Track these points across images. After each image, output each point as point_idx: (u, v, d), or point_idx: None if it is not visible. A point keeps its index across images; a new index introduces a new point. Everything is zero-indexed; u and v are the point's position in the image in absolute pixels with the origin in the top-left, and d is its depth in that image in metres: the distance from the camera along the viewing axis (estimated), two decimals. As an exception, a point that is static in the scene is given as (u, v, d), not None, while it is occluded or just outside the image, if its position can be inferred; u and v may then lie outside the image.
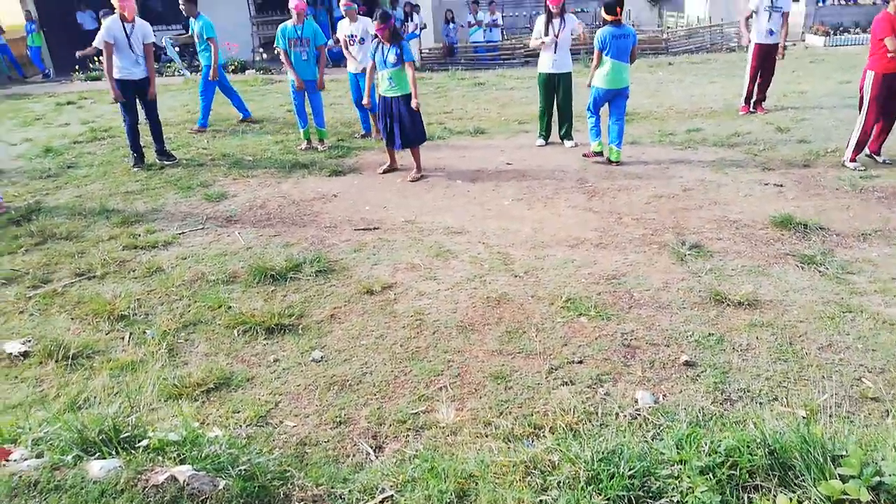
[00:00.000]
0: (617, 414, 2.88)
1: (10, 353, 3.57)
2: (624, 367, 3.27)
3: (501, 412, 2.94)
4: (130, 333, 3.78)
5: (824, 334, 3.47)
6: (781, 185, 5.82)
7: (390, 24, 6.21)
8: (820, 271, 4.16)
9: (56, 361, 3.47)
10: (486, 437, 2.76)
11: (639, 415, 2.88)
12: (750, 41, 8.51)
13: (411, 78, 6.24)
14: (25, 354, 3.58)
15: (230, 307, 4.01)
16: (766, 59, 8.40)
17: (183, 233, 5.32)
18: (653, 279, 4.18)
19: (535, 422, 2.84)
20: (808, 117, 8.20)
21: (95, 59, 12.32)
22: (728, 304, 3.80)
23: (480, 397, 3.07)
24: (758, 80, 8.56)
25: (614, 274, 4.28)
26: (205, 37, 8.74)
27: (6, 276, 4.59)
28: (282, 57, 7.51)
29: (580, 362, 3.32)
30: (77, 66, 14.91)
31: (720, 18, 18.23)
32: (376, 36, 6.32)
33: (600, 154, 6.72)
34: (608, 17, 6.39)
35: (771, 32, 8.26)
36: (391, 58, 6.21)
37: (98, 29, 6.87)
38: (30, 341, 3.72)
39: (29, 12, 16.23)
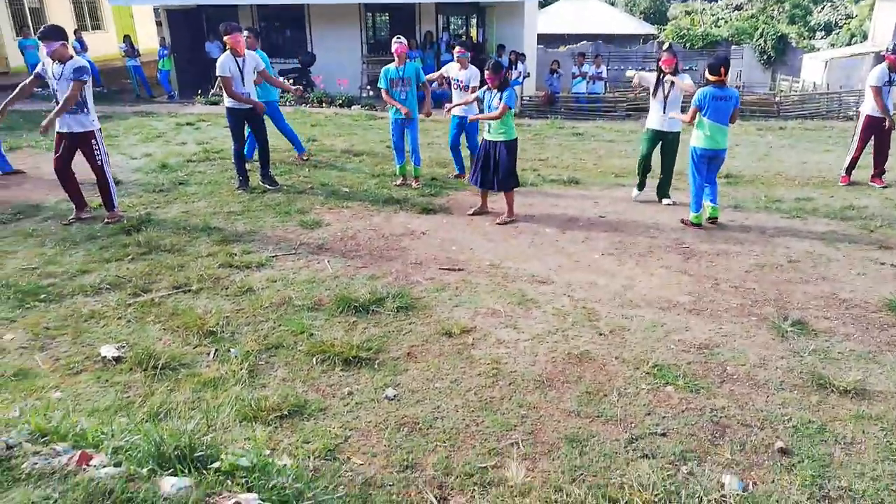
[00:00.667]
0: (700, 497, 2.67)
1: (105, 357, 3.75)
2: (711, 447, 3.05)
3: (574, 479, 2.80)
4: (216, 350, 3.89)
5: (945, 438, 3.12)
6: (900, 266, 5.38)
7: (501, 75, 6.38)
8: (942, 366, 3.77)
9: (144, 370, 3.61)
10: (556, 503, 2.63)
11: (724, 501, 2.66)
12: (860, 113, 8.15)
13: (499, 111, 6.31)
14: (118, 359, 3.75)
15: (312, 334, 4.07)
16: (878, 132, 7.97)
17: (276, 256, 5.50)
18: (749, 354, 3.92)
19: (610, 494, 2.67)
20: (933, 195, 7.60)
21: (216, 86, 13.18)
22: (832, 391, 3.49)
23: (553, 459, 2.93)
24: (872, 154, 8.11)
25: (707, 343, 4.05)
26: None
27: (112, 282, 4.87)
28: (384, 96, 7.74)
29: (663, 435, 3.12)
30: (199, 91, 16.01)
31: (838, 86, 17.43)
32: (485, 83, 6.49)
33: (698, 226, 6.43)
34: (712, 78, 6.23)
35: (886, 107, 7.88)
36: (496, 103, 6.36)
37: None
38: (123, 347, 3.90)
39: (164, 39, 17.64)
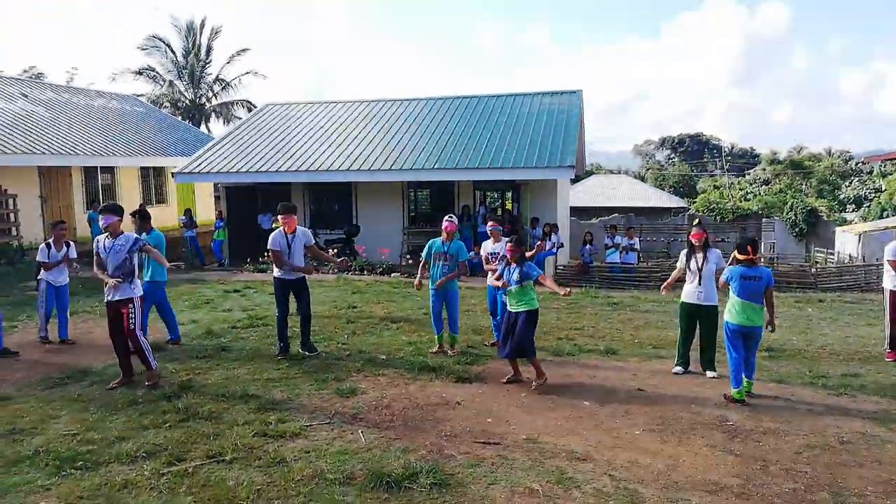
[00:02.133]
0: None
1: (134, 530, 3.69)
2: None
3: None
4: (245, 525, 3.80)
5: None
6: (963, 450, 5.07)
7: (520, 250, 6.80)
8: None
9: (172, 545, 3.53)
10: None
11: None
12: (884, 289, 8.13)
13: (549, 285, 6.84)
14: (147, 533, 3.68)
15: (343, 511, 3.96)
16: None
17: (311, 425, 5.49)
18: (806, 546, 3.65)
19: None
20: None
21: (265, 254, 13.92)
22: None
23: None
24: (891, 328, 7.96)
25: (759, 533, 3.79)
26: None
27: (148, 450, 4.89)
28: (421, 265, 8.19)
29: None
30: (248, 259, 16.87)
31: (874, 259, 17.47)
32: (506, 256, 6.92)
33: (741, 402, 6.27)
34: (740, 257, 6.37)
35: None
36: (515, 276, 6.68)
37: (272, 229, 7.89)
38: (154, 519, 3.84)
39: (220, 212, 18.98)
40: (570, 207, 25.45)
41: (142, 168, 21.58)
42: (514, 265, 6.74)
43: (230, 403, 6.03)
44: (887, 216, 26.26)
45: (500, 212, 19.67)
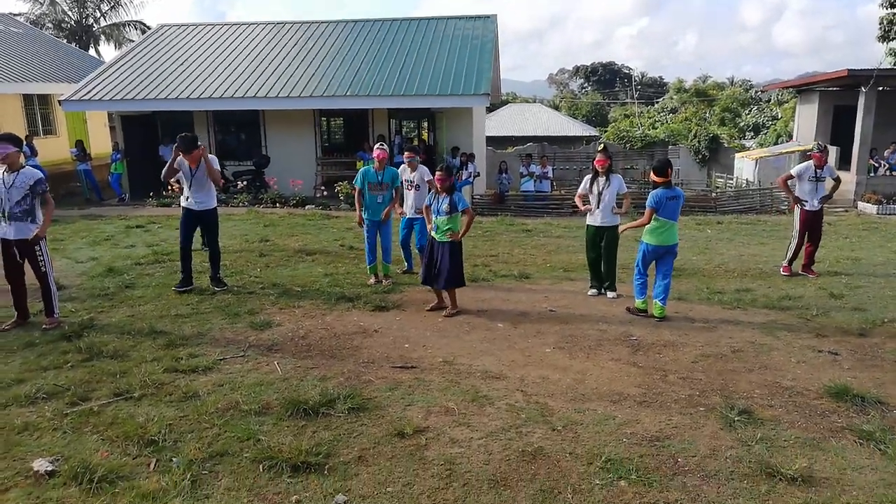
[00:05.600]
0: None
1: (37, 472, 3.55)
2: (666, 543, 3.01)
3: (530, 583, 2.71)
4: (157, 460, 3.72)
5: (891, 523, 3.16)
6: (837, 354, 5.59)
7: (451, 180, 6.73)
8: (880, 449, 3.87)
9: (80, 484, 3.42)
10: None
11: None
12: (795, 206, 8.70)
13: (466, 223, 6.73)
14: (52, 474, 3.54)
15: (259, 440, 3.94)
16: (812, 225, 8.51)
17: (224, 359, 5.38)
18: (699, 444, 3.96)
19: None
20: (862, 285, 8.02)
21: (170, 188, 13.24)
22: (780, 479, 3.53)
23: (508, 563, 2.85)
24: (805, 246, 8.60)
25: (658, 436, 4.07)
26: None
27: (49, 391, 4.66)
28: (355, 195, 8.02)
29: (618, 532, 3.08)
30: (151, 193, 16.02)
31: (769, 182, 18.57)
32: (435, 186, 6.80)
33: (644, 312, 6.63)
34: (658, 179, 6.58)
35: (816, 200, 8.46)
36: (444, 206, 6.63)
37: None
38: (58, 460, 3.69)
39: (117, 143, 17.78)
40: (486, 137, 25.44)
41: (24, 95, 19.75)
42: (443, 195, 6.69)
43: (136, 341, 5.81)
44: (782, 142, 27.83)
45: (416, 141, 19.42)
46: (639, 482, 3.52)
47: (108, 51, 35.52)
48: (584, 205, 7.55)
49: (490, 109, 35.66)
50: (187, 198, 7.44)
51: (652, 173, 6.73)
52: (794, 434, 4.10)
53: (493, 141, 31.10)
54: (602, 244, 7.47)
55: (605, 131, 37.51)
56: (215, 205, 7.65)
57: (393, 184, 7.95)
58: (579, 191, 7.65)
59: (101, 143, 22.01)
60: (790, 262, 8.67)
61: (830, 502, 3.33)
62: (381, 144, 8.00)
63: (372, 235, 8.03)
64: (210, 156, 7.52)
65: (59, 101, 17.59)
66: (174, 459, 3.71)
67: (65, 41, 30.17)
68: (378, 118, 18.00)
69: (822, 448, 3.92)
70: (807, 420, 4.31)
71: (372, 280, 8.07)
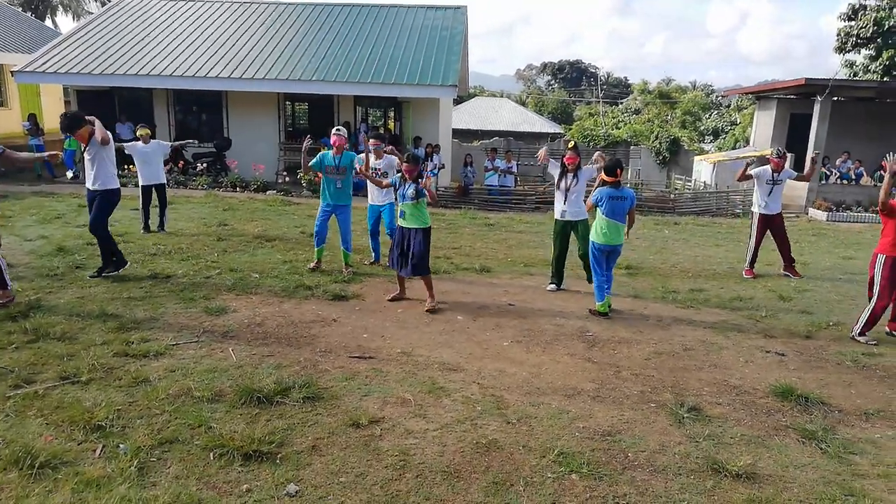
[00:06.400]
0: (603, 589, 2.66)
1: (-25, 455, 3.42)
2: (613, 536, 3.07)
3: (479, 574, 2.73)
4: (103, 446, 3.62)
5: (827, 519, 3.28)
6: (783, 355, 5.77)
7: (418, 168, 6.73)
8: (821, 448, 4.02)
9: (21, 469, 3.31)
10: None
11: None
12: (753, 212, 8.96)
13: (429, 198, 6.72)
14: (-10, 458, 3.42)
15: (210, 427, 3.88)
16: (770, 227, 8.77)
17: (177, 344, 5.27)
18: (649, 440, 4.04)
19: (513, 589, 2.63)
20: (810, 288, 8.29)
21: (126, 167, 12.89)
22: (726, 475, 3.63)
23: (458, 554, 2.86)
24: (778, 248, 8.93)
25: (609, 430, 4.15)
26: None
27: (-10, 372, 4.50)
28: (306, 167, 8.04)
29: (567, 525, 3.13)
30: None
31: (725, 186, 19.01)
32: (401, 172, 6.74)
33: (605, 315, 6.70)
34: (608, 179, 6.68)
35: (773, 204, 8.71)
36: (410, 192, 6.61)
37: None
38: (-2, 444, 3.57)
39: (72, 118, 17.18)
40: (453, 129, 25.41)
41: (-26, 65, 18.96)
42: (409, 182, 6.67)
43: (86, 323, 5.64)
44: (740, 147, 28.49)
45: (382, 130, 19.29)
46: (590, 476, 3.57)
47: (65, 22, 34.32)
48: (544, 158, 7.72)
49: (457, 102, 35.65)
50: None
51: (602, 173, 6.83)
52: (741, 431, 4.22)
53: (459, 134, 31.10)
54: (578, 238, 7.53)
55: (570, 129, 37.84)
56: (114, 186, 7.35)
57: (351, 167, 7.89)
58: (550, 167, 7.74)
59: (54, 117, 21.23)
60: (751, 264, 8.90)
61: (773, 498, 3.44)
62: (339, 129, 7.89)
63: (324, 219, 7.97)
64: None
65: (12, 72, 16.92)
66: (121, 446, 3.62)
67: (20, 10, 28.98)
68: (344, 105, 17.82)
69: (767, 445, 4.05)
70: (752, 418, 4.44)
71: (313, 265, 8.00)
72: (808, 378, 5.22)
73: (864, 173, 18.54)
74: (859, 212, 16.91)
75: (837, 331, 6.52)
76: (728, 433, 4.19)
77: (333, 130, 7.91)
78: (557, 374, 5.07)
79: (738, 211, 16.99)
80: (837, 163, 18.86)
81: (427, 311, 6.59)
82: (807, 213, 17.33)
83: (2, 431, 3.75)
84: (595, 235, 6.75)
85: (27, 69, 16.37)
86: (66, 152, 16.83)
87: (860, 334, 6.22)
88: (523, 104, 53.85)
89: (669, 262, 9.80)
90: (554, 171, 7.68)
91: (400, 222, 6.81)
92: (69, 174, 16.35)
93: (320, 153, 7.98)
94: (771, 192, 8.73)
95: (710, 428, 4.24)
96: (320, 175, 7.95)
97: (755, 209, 8.94)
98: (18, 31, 22.24)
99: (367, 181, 8.15)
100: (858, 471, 3.78)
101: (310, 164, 7.95)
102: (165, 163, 11.00)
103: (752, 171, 8.97)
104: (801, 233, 13.63)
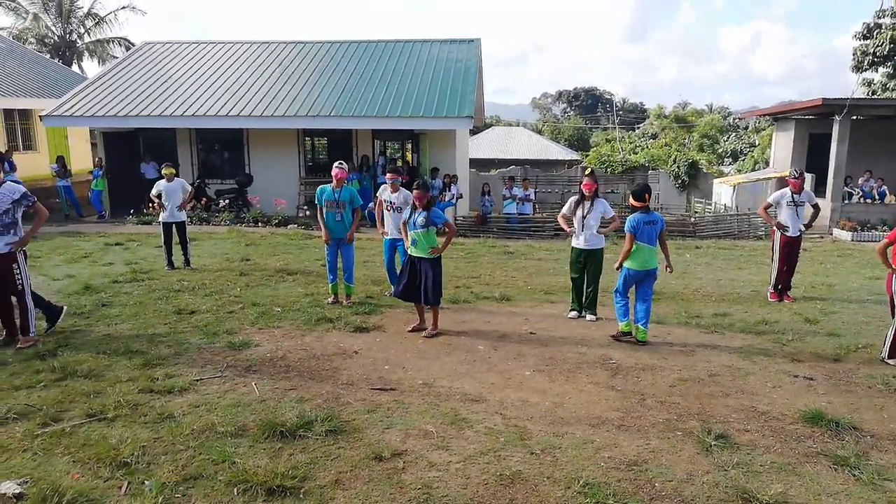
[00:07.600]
0: None
1: (4, 495, 3.46)
2: (642, 568, 3.01)
3: None
4: (129, 483, 3.66)
5: (864, 549, 3.19)
6: (811, 379, 5.66)
7: (428, 195, 6.78)
8: (854, 475, 3.91)
9: (48, 507, 3.35)
10: None
11: None
12: (775, 231, 8.83)
13: (448, 237, 6.89)
14: (19, 496, 3.47)
15: (234, 462, 3.89)
16: (789, 251, 8.64)
17: (200, 379, 5.32)
18: (676, 469, 3.97)
19: None
20: (837, 310, 8.14)
21: (150, 206, 13.16)
22: (757, 505, 3.55)
23: (484, 590, 2.82)
24: (783, 271, 8.73)
25: (636, 460, 4.08)
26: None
27: (19, 412, 4.57)
28: (318, 213, 8.01)
29: (595, 558, 3.07)
30: (132, 210, 15.88)
31: (747, 208, 18.85)
32: (414, 202, 6.80)
33: (628, 334, 6.66)
34: (637, 204, 6.67)
35: (794, 226, 8.60)
36: (420, 220, 6.67)
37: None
38: (27, 482, 3.62)
39: (100, 160, 17.61)
40: (470, 159, 25.59)
41: (5, 110, 19.56)
42: (420, 210, 6.72)
43: (112, 360, 5.72)
44: (759, 168, 28.31)
45: (399, 162, 19.49)
46: (616, 507, 3.51)
47: (91, 67, 35.49)
48: (568, 227, 7.63)
49: (474, 132, 35.94)
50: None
51: (630, 198, 6.83)
52: (770, 459, 4.13)
53: (476, 163, 31.29)
54: (587, 268, 7.52)
55: (587, 155, 37.90)
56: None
57: (351, 203, 7.91)
58: (563, 211, 7.72)
59: (82, 159, 21.84)
60: (775, 287, 8.77)
61: (805, 528, 3.35)
62: (340, 163, 7.92)
63: (332, 253, 8.02)
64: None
65: (40, 117, 17.43)
66: (146, 482, 3.65)
67: (48, 56, 29.98)
68: (362, 139, 18.05)
69: (798, 473, 3.95)
70: (782, 445, 4.35)
71: (331, 299, 8.05)
72: (838, 402, 5.11)
73: (888, 192, 18.28)
74: (885, 231, 16.63)
75: (867, 353, 6.38)
76: (757, 461, 4.10)
77: (335, 164, 7.94)
78: (581, 404, 5.02)
79: (760, 233, 16.80)
80: (860, 182, 18.63)
81: (425, 336, 6.66)
82: (831, 234, 17.09)
83: (30, 469, 3.80)
84: (630, 262, 6.67)
85: (55, 113, 16.86)
86: (92, 193, 17.24)
87: (889, 357, 6.08)
88: (539, 132, 54.13)
89: (692, 286, 9.70)
90: (567, 207, 7.67)
91: (410, 251, 6.83)
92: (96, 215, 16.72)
93: (320, 187, 8.05)
94: (794, 213, 8.65)
95: (738, 456, 4.16)
96: (318, 207, 7.99)
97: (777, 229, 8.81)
98: (47, 77, 22.97)
99: (385, 215, 8.20)
100: (894, 498, 3.67)
101: (314, 200, 8.09)
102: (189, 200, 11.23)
103: (770, 200, 8.90)
104: (826, 254, 13.43)
